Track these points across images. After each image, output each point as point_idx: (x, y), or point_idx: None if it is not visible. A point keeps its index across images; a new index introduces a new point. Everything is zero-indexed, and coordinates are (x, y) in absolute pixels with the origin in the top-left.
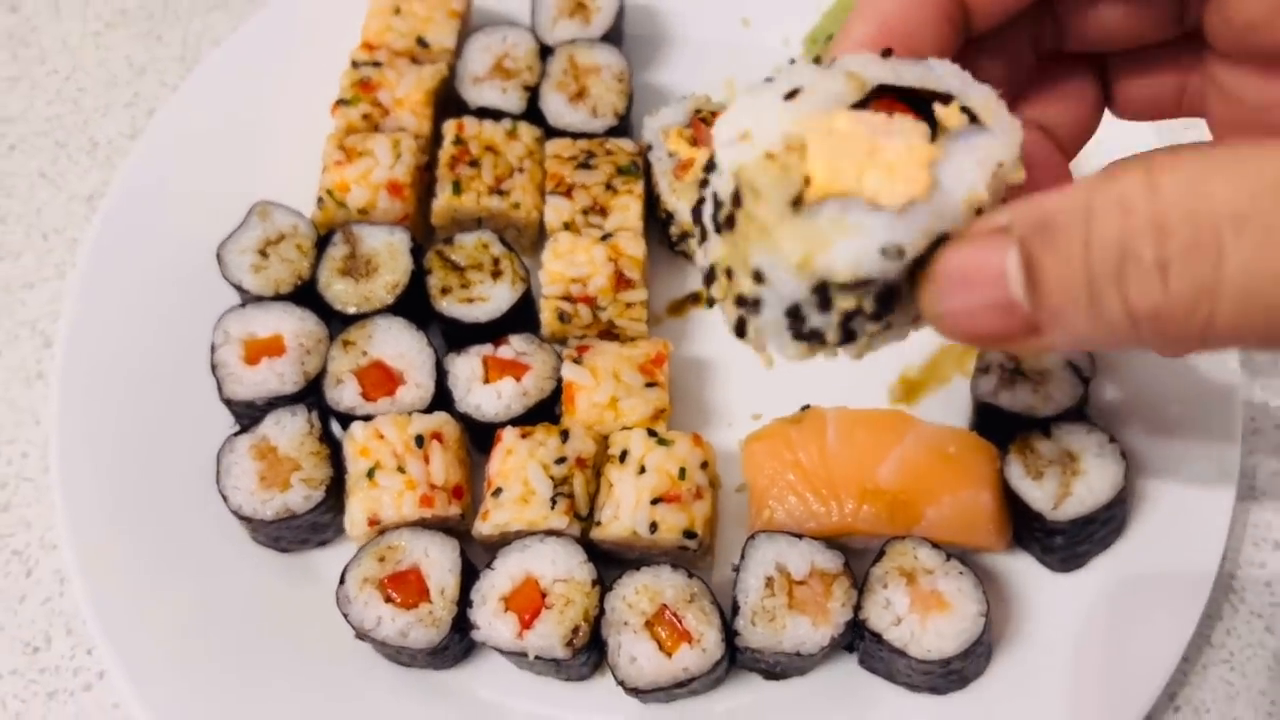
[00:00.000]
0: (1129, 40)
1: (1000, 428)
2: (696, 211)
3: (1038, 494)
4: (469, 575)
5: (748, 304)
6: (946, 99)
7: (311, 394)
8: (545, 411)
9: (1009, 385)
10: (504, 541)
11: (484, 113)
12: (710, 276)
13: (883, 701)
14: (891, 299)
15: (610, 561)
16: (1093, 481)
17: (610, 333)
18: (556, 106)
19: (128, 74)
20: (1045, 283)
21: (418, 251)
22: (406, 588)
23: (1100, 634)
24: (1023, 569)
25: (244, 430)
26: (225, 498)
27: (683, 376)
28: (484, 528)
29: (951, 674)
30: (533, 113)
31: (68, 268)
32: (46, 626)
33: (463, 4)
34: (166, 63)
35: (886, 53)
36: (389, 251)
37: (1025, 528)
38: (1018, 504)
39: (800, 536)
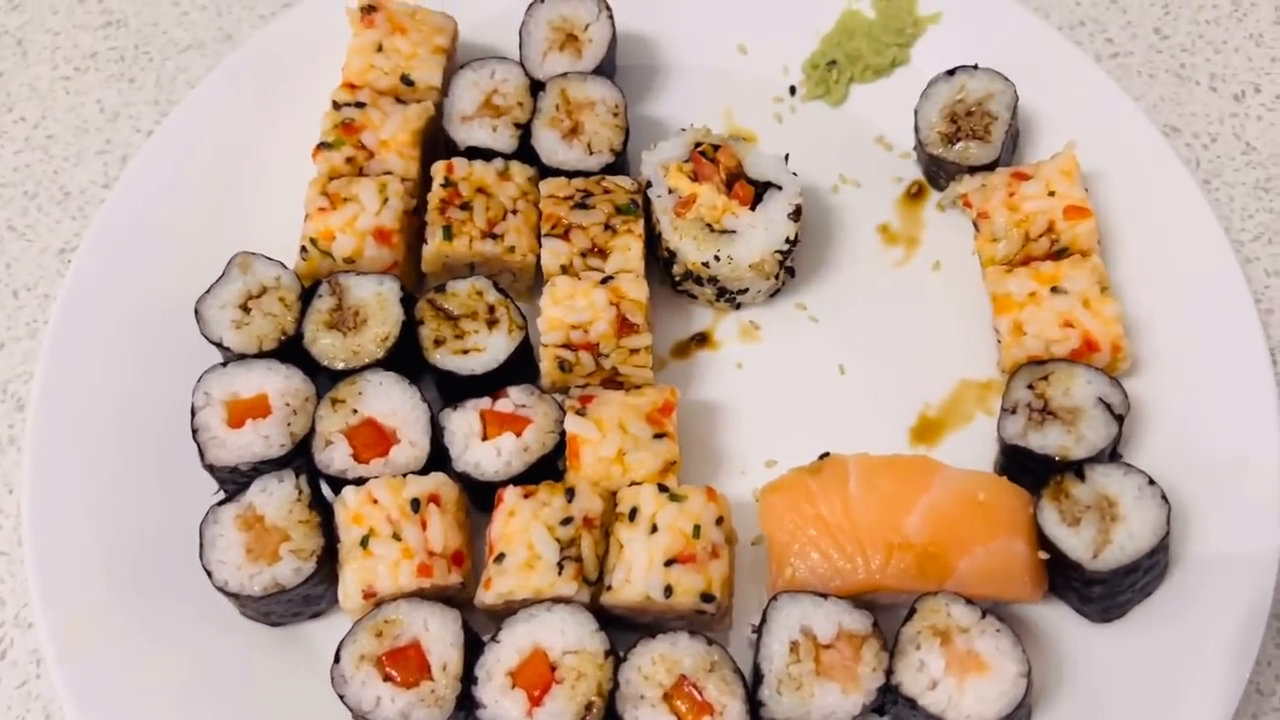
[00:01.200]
0: None
1: (1030, 471)
2: None
3: (1075, 542)
4: (473, 649)
5: None
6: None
7: (299, 457)
8: (548, 468)
9: (1038, 426)
10: (509, 611)
11: (474, 153)
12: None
13: None
14: None
15: (621, 626)
16: (1133, 527)
17: (614, 380)
18: (550, 144)
19: (99, 120)
20: None
21: (408, 301)
22: (406, 664)
23: (1145, 688)
24: (1058, 619)
25: (229, 499)
26: (210, 573)
27: (690, 422)
28: (487, 597)
29: None
30: (525, 151)
31: (40, 326)
32: (24, 712)
33: (448, 40)
34: (140, 107)
35: None
36: (378, 302)
37: (1062, 577)
38: (1053, 552)
39: (825, 596)
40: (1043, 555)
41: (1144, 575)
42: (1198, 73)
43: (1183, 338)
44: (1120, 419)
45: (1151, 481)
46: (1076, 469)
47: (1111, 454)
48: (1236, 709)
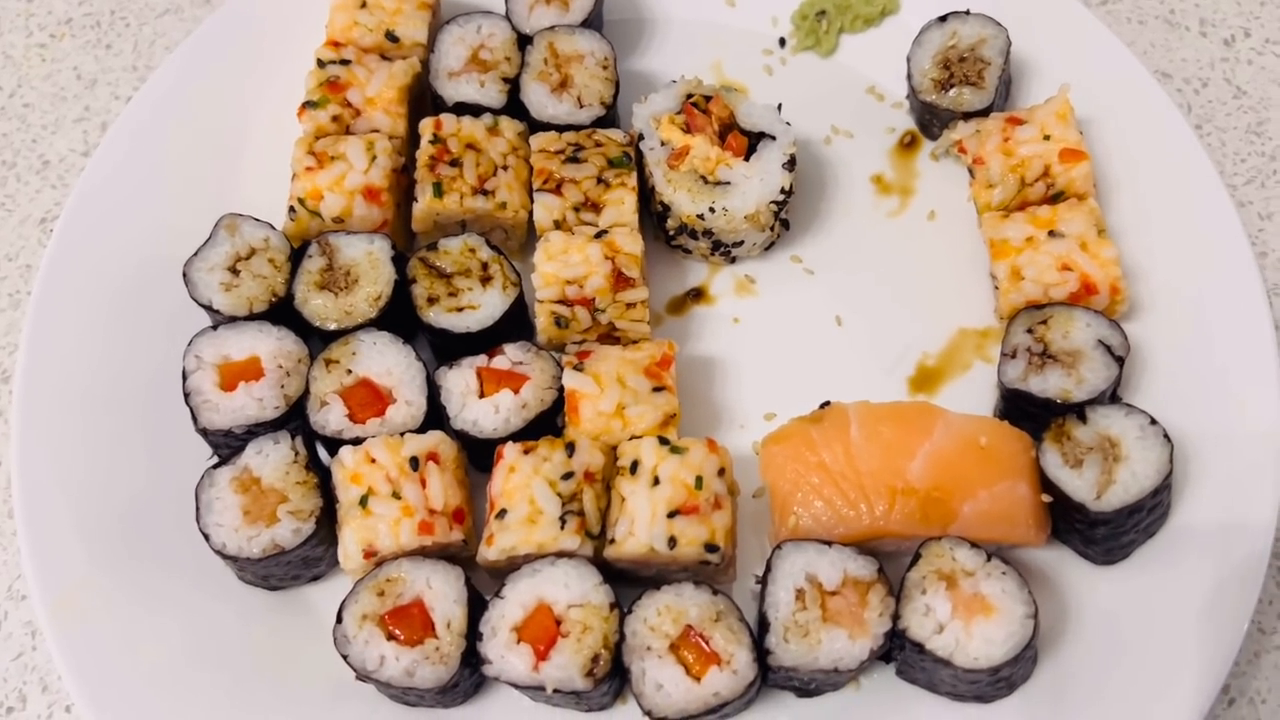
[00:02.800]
0: None
1: (1031, 415)
2: None
3: (1078, 484)
4: (476, 605)
5: None
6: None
7: (294, 419)
8: (547, 424)
9: (1038, 369)
10: (512, 567)
11: (462, 108)
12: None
13: (926, 713)
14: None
15: (626, 581)
16: (1136, 467)
17: (611, 336)
18: (539, 98)
19: (77, 87)
20: None
21: (400, 260)
22: (410, 623)
23: (1148, 629)
24: (1062, 564)
25: (223, 462)
26: (207, 536)
27: (688, 378)
28: (489, 553)
29: (1000, 681)
30: (514, 106)
31: (23, 297)
32: (20, 684)
33: None
34: (118, 73)
35: None
36: (369, 261)
37: (1065, 519)
38: (1056, 495)
39: (829, 543)
40: (1046, 498)
41: (1147, 515)
42: (1187, 18)
43: (1179, 281)
44: (1120, 360)
45: (1153, 421)
46: (1078, 411)
47: (1112, 396)
48: (1239, 647)
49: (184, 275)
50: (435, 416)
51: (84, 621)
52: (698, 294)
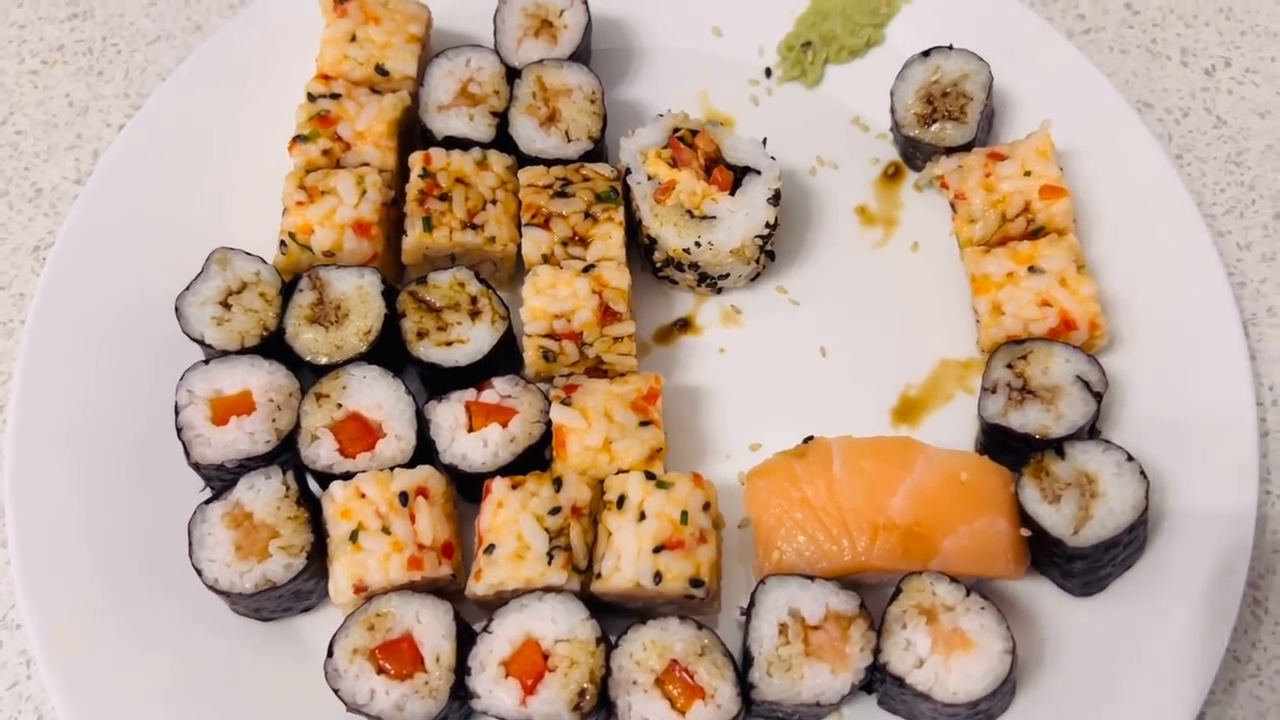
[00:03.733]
0: None
1: (1011, 449)
2: None
3: (1056, 519)
4: (465, 639)
5: None
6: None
7: (285, 453)
8: (535, 458)
9: (1018, 405)
10: (500, 601)
11: (451, 142)
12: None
13: None
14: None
15: (611, 613)
16: (1113, 503)
17: (598, 369)
18: (528, 132)
19: (69, 114)
20: None
21: (390, 294)
22: (399, 657)
23: (1126, 659)
24: (1040, 595)
25: (216, 497)
26: (200, 572)
27: (674, 407)
28: (478, 588)
29: (978, 714)
30: (503, 140)
31: (16, 326)
32: (15, 713)
33: (422, 28)
34: (110, 100)
35: None
36: (359, 295)
37: (1043, 553)
38: (1035, 530)
39: (812, 578)
40: (1024, 532)
41: (1124, 550)
42: (1169, 47)
43: (1158, 313)
44: (1099, 396)
45: (1130, 458)
46: (1056, 447)
47: (1090, 430)
48: (1215, 676)
49: (176, 309)
50: (424, 450)
51: (78, 652)
52: (684, 324)
